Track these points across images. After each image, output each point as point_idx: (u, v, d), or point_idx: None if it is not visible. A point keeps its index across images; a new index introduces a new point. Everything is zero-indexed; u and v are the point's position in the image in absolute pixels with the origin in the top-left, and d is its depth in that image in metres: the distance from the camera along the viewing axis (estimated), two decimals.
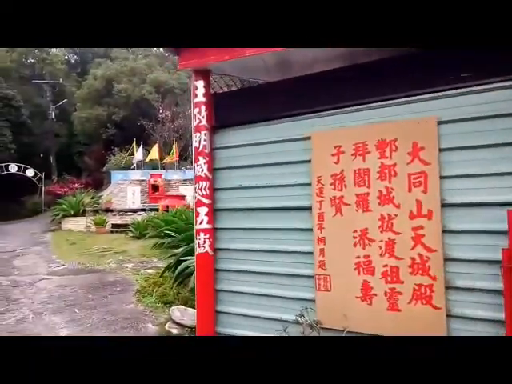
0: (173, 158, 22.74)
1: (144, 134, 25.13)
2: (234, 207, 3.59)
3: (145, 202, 19.90)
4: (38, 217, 21.97)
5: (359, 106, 2.99)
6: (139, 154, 22.56)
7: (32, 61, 33.54)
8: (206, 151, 3.59)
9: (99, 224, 15.20)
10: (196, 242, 3.59)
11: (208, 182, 3.59)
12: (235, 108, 3.59)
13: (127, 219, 16.17)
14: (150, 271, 7.29)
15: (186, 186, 20.93)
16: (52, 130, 29.37)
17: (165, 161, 22.75)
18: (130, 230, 13.54)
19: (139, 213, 17.17)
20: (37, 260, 8.87)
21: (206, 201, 3.57)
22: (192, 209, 13.11)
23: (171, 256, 6.12)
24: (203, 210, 3.57)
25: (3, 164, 22.40)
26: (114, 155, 23.99)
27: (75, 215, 16.72)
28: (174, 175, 22.15)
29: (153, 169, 22.51)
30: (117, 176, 22.02)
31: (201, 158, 3.59)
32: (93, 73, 31.95)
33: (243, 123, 3.55)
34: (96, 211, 16.86)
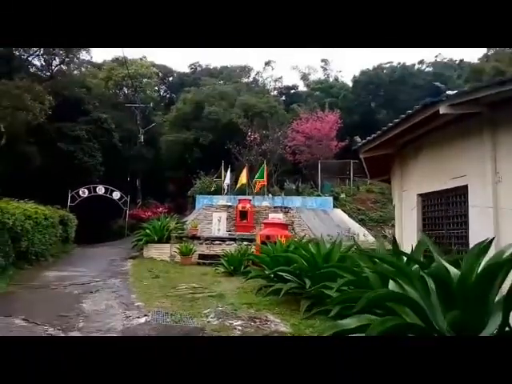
0: (262, 181, 20.55)
1: (231, 158, 23.53)
2: None
3: (230, 231, 17.68)
4: (120, 241, 20.80)
5: None
6: (227, 178, 20.78)
7: (126, 91, 34.43)
8: None
9: (185, 253, 13.01)
10: None
11: None
12: None
13: (215, 249, 13.86)
14: None
15: (276, 214, 18.50)
16: (140, 154, 29.21)
17: (255, 183, 20.71)
18: (221, 264, 11.09)
19: (228, 242, 14.86)
20: (111, 302, 6.61)
21: None
22: (311, 241, 9.61)
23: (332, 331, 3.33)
24: None
25: (91, 185, 21.93)
26: (199, 179, 22.43)
27: (159, 241, 14.84)
28: (263, 202, 19.90)
29: (239, 194, 20.50)
30: (202, 201, 20.32)
31: None
32: (182, 97, 31.81)
33: None
34: (181, 238, 14.82)
